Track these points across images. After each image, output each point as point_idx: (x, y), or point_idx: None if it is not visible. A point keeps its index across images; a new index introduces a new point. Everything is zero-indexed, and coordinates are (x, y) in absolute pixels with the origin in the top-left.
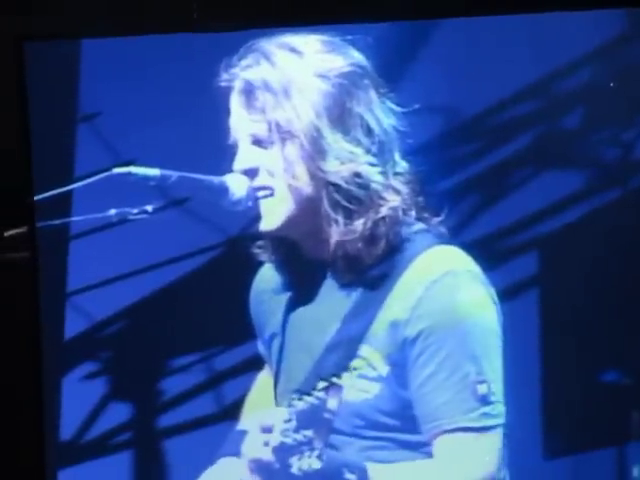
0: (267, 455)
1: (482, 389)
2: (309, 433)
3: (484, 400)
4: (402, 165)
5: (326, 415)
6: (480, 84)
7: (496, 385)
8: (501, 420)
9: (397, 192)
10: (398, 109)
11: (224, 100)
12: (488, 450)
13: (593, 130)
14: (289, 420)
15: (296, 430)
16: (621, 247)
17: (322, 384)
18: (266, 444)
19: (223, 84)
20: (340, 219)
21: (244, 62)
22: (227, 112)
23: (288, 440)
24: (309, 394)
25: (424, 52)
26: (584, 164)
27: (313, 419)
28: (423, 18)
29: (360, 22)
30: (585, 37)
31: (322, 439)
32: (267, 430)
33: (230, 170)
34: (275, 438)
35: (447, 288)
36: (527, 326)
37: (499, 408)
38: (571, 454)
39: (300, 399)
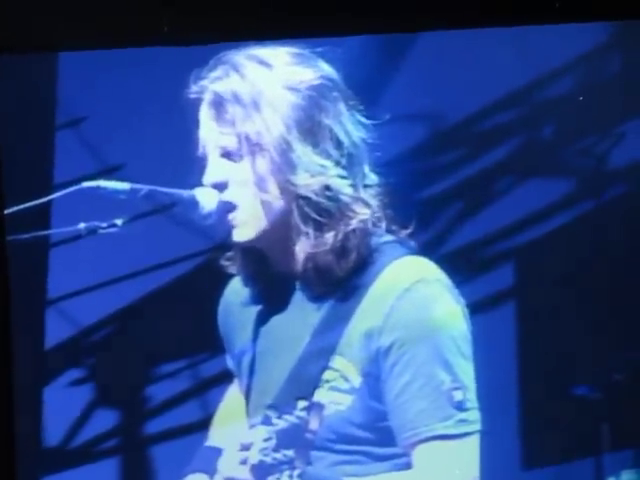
0: (244, 474)
1: (458, 396)
2: (290, 452)
3: (460, 407)
4: (372, 178)
5: (308, 435)
6: (457, 95)
7: (470, 392)
8: (478, 426)
9: (367, 205)
10: (367, 122)
11: (194, 112)
12: (467, 457)
13: (571, 140)
14: (269, 439)
15: (276, 449)
16: (599, 257)
17: (303, 403)
18: (243, 462)
19: (193, 96)
20: (310, 232)
21: (213, 74)
22: (197, 124)
23: (267, 459)
24: (286, 411)
25: (398, 63)
26: (562, 174)
27: (294, 438)
28: (402, 32)
29: (334, 35)
30: (564, 48)
31: (303, 459)
32: (245, 448)
33: (200, 182)
34: (254, 456)
35: (419, 296)
36: (504, 335)
37: (475, 414)
38: (548, 465)
39: (280, 417)
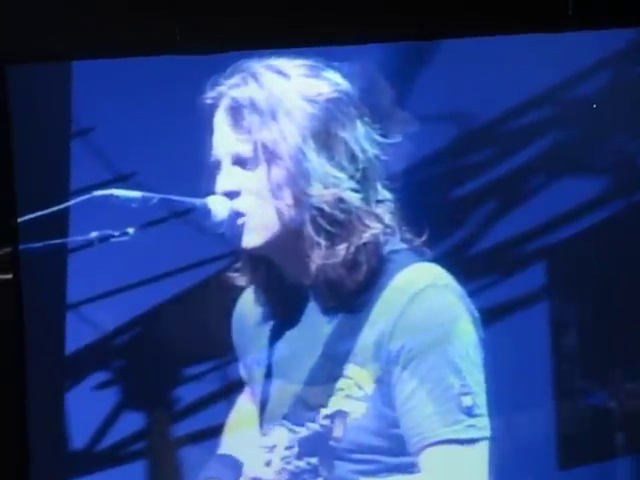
0: (270, 475)
1: (466, 401)
2: (313, 460)
3: (469, 412)
4: (384, 194)
5: (332, 443)
6: (486, 96)
7: (480, 398)
8: (487, 433)
9: (379, 219)
10: (382, 140)
11: (207, 120)
12: (475, 463)
13: (602, 139)
14: (291, 447)
15: (299, 457)
16: (629, 258)
17: (325, 411)
18: (268, 464)
19: (209, 102)
20: (322, 242)
21: (231, 81)
22: (210, 132)
23: (290, 467)
24: (308, 418)
25: (424, 66)
26: (593, 173)
27: (318, 446)
28: (423, 39)
29: (353, 44)
30: (594, 48)
31: (327, 467)
32: (270, 449)
33: (213, 190)
34: (277, 461)
35: (429, 301)
36: (535, 336)
37: (484, 421)
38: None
39: (302, 425)
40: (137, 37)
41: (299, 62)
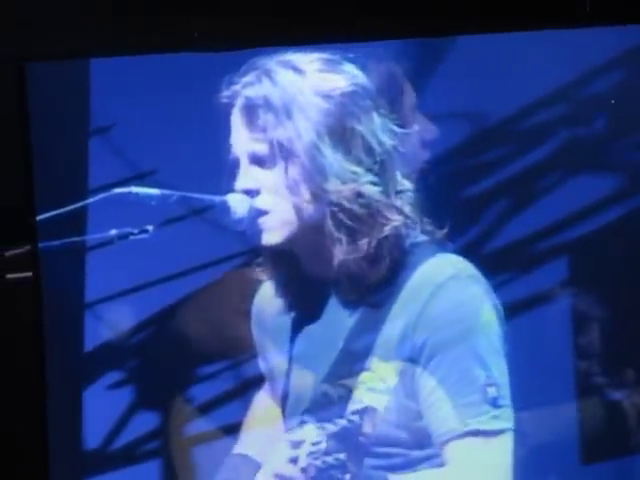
0: (294, 472)
1: (492, 392)
2: (342, 456)
3: (494, 403)
4: (404, 184)
5: (361, 438)
6: (497, 94)
7: (504, 389)
8: (511, 424)
9: (399, 211)
10: (399, 130)
11: (226, 117)
12: (500, 454)
13: (621, 135)
14: (318, 443)
15: (327, 453)
16: None
17: (354, 406)
18: (294, 460)
19: (224, 101)
20: (343, 238)
21: (245, 79)
22: (229, 129)
23: (317, 463)
24: (329, 415)
25: (435, 68)
26: (612, 169)
27: (346, 442)
28: (438, 36)
29: (369, 40)
30: (609, 44)
31: (356, 462)
32: (296, 446)
33: (232, 187)
34: (303, 457)
35: (452, 293)
36: (553, 333)
37: (508, 412)
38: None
39: (330, 421)
40: (155, 35)
41: (315, 56)
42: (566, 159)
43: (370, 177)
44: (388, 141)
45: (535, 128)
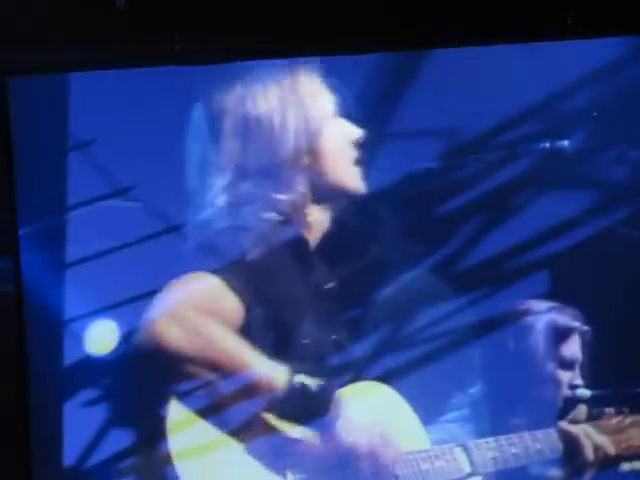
0: None
1: None
2: None
3: None
4: None
5: None
6: (477, 109)
7: None
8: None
9: None
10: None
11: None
12: None
13: (602, 149)
14: None
15: None
16: (629, 266)
17: None
18: None
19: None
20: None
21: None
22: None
23: None
24: None
25: (413, 79)
26: (594, 183)
27: None
28: (413, 49)
29: (346, 54)
30: (588, 58)
31: None
32: None
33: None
34: None
35: None
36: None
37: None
38: None
39: None
40: (136, 49)
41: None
42: (542, 174)
43: None
44: None
45: (511, 143)
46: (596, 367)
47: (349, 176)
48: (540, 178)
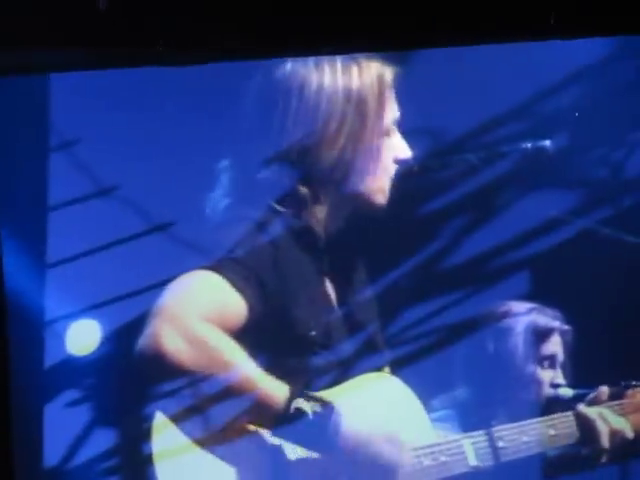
0: None
1: None
2: None
3: None
4: None
5: None
6: (459, 109)
7: None
8: None
9: None
10: None
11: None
12: None
13: (584, 150)
14: None
15: None
16: (614, 266)
17: None
18: None
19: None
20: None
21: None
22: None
23: None
24: None
25: (401, 79)
26: (576, 184)
27: None
28: (399, 50)
29: (333, 53)
30: (571, 58)
31: None
32: None
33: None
34: None
35: None
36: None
37: None
38: None
39: None
40: (118, 50)
41: None
42: (524, 175)
43: None
44: None
45: (493, 144)
46: (578, 366)
47: (376, 189)
48: (521, 179)
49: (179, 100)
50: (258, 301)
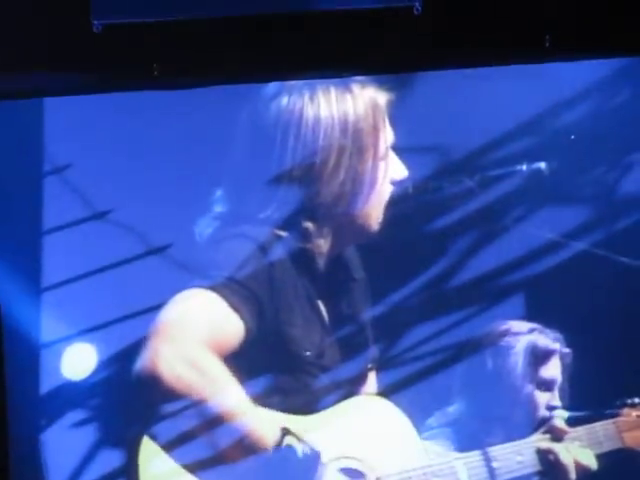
0: None
1: None
2: None
3: None
4: None
5: None
6: (462, 129)
7: None
8: None
9: None
10: None
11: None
12: None
13: (580, 170)
14: None
15: None
16: (614, 285)
17: None
18: None
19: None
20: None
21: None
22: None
23: None
24: None
25: (399, 103)
26: (573, 204)
27: None
28: (401, 72)
29: (333, 76)
30: (571, 83)
31: None
32: None
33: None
34: None
35: None
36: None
37: None
38: None
39: None
40: (113, 74)
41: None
42: (525, 196)
43: None
44: None
45: (494, 165)
46: (576, 389)
47: (373, 216)
48: (521, 200)
49: (174, 125)
50: (255, 320)
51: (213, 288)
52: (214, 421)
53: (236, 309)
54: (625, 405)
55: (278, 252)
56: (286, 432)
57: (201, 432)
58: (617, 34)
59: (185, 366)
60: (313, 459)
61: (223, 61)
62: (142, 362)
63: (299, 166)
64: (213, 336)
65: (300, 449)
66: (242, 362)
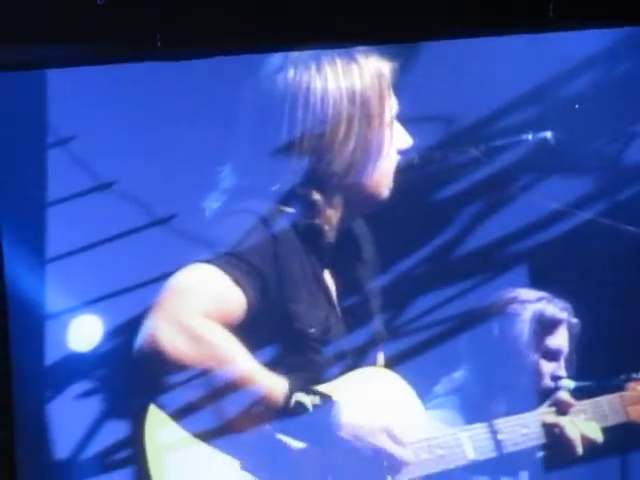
0: None
1: None
2: None
3: None
4: None
5: None
6: (469, 99)
7: None
8: None
9: None
10: None
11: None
12: None
13: (584, 141)
14: None
15: None
16: (615, 256)
17: None
18: None
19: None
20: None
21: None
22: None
23: None
24: None
25: (404, 73)
26: (576, 175)
27: None
28: (406, 41)
29: (338, 46)
30: (575, 51)
31: None
32: None
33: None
34: None
35: None
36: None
37: None
38: None
39: None
40: (117, 45)
41: None
42: (531, 166)
43: None
44: None
45: (499, 135)
46: (582, 360)
47: (383, 184)
48: (527, 169)
49: (179, 96)
50: (258, 296)
51: (216, 262)
52: (221, 388)
53: (238, 283)
54: (631, 379)
55: (285, 227)
56: (293, 389)
57: (208, 400)
58: (621, 3)
59: (186, 338)
60: (327, 407)
61: (227, 32)
62: (142, 337)
63: (309, 137)
64: (215, 309)
65: (309, 401)
66: (245, 337)
